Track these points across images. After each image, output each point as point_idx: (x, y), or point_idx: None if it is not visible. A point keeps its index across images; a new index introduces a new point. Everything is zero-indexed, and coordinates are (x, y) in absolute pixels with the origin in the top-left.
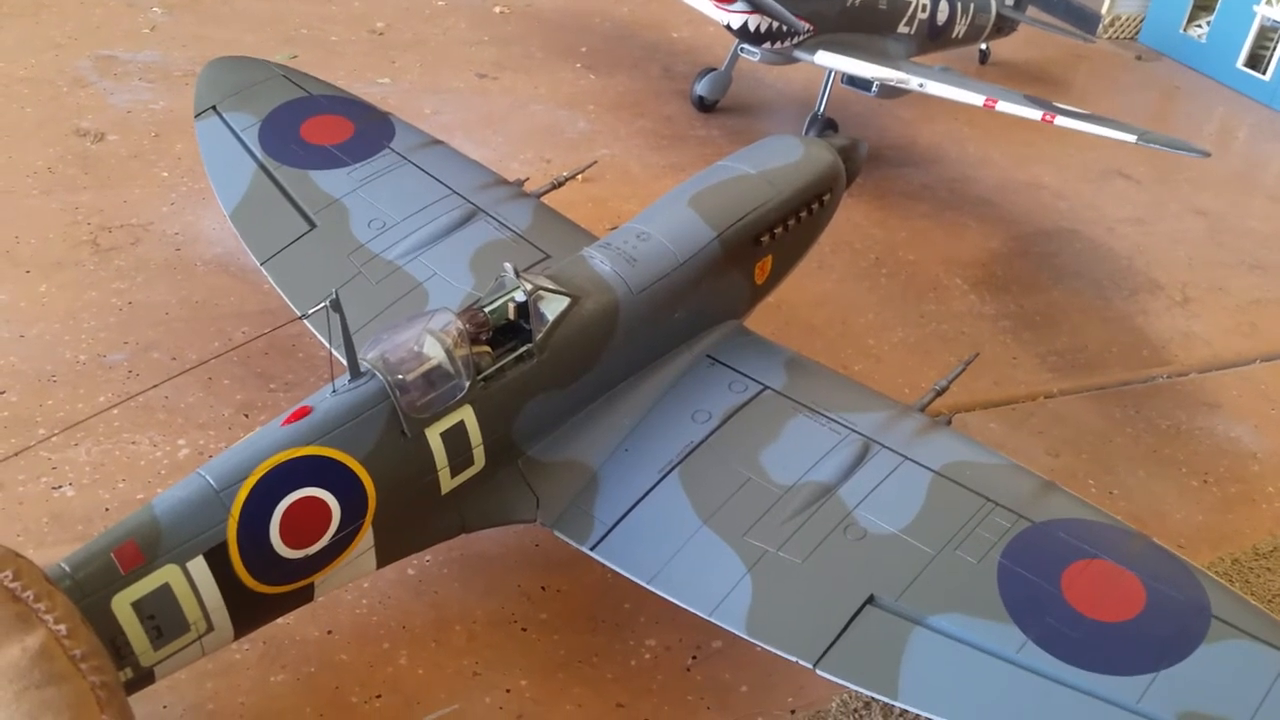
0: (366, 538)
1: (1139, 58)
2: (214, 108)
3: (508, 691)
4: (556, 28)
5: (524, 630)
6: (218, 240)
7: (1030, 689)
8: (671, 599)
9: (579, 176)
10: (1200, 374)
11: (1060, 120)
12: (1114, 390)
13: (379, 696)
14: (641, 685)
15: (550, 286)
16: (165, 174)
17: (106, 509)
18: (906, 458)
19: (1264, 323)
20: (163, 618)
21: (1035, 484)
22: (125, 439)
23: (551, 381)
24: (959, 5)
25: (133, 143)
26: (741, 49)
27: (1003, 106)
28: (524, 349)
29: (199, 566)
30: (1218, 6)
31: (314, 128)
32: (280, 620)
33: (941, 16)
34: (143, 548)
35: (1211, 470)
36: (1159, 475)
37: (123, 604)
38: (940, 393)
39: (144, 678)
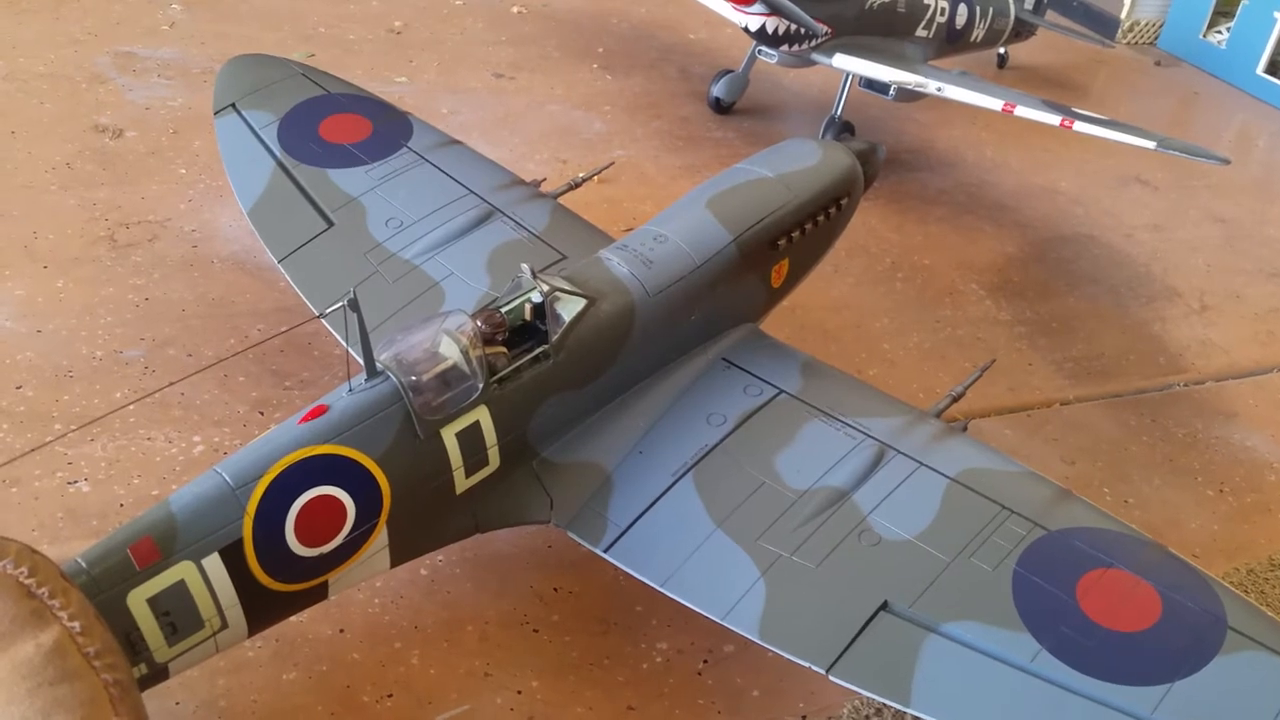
0: (381, 537)
1: (1158, 63)
2: (233, 105)
3: (519, 693)
4: (573, 28)
5: (536, 631)
6: (234, 238)
7: (1044, 698)
8: (684, 602)
9: (595, 178)
10: (1217, 382)
11: (1079, 126)
12: (1130, 398)
13: (390, 696)
14: (653, 688)
15: (567, 288)
16: (183, 171)
17: (121, 505)
18: (922, 464)
19: None
20: (177, 614)
21: (1051, 492)
22: (141, 435)
23: (567, 383)
24: (977, 9)
25: (151, 139)
26: (759, 51)
27: (1021, 111)
28: (540, 350)
29: (214, 563)
30: (1238, 12)
31: (332, 126)
32: (293, 619)
33: (960, 20)
34: (159, 544)
35: (1227, 480)
36: (1174, 484)
37: (138, 600)
38: (956, 399)
39: (158, 674)
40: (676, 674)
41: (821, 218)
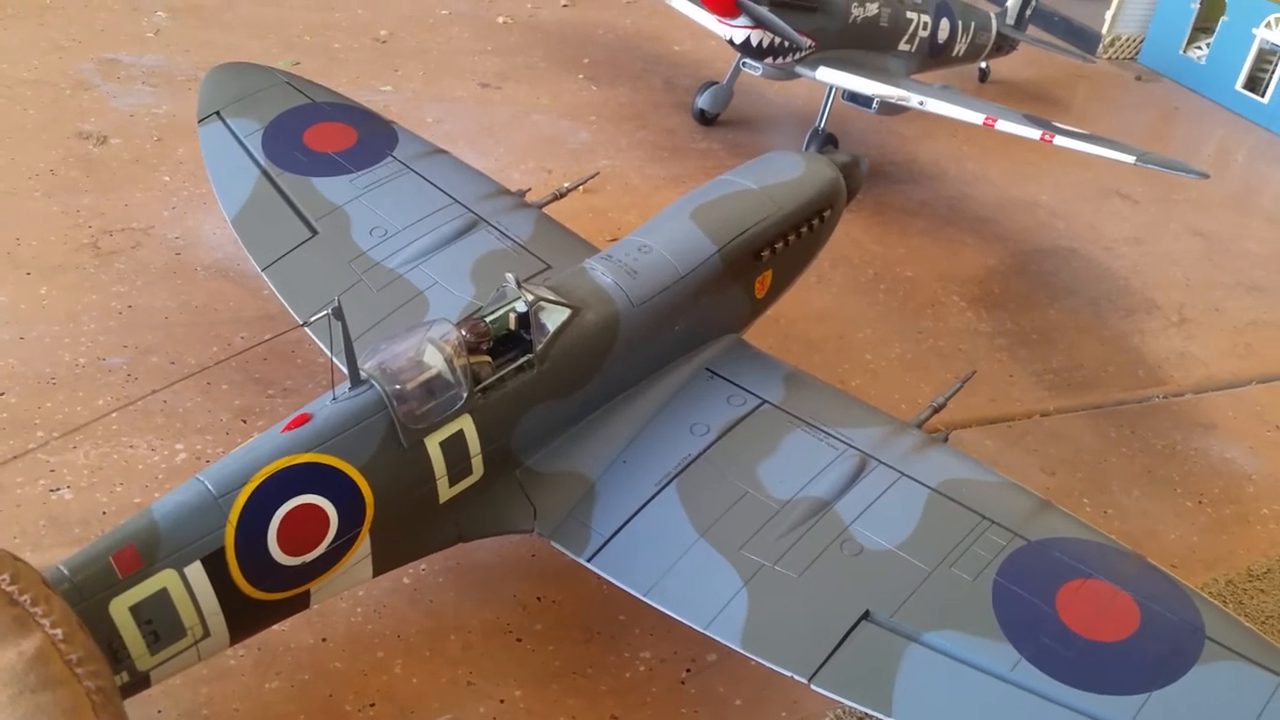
0: (363, 546)
1: (1138, 78)
2: (218, 113)
3: (501, 702)
4: (559, 39)
5: (519, 640)
6: (218, 245)
7: (1023, 707)
8: (667, 611)
9: (580, 188)
10: (1196, 394)
11: (1059, 140)
12: (1110, 409)
13: (373, 705)
14: (636, 698)
15: (551, 297)
16: (167, 178)
17: (104, 512)
18: (903, 474)
19: (1260, 344)
20: (159, 622)
21: (1031, 502)
22: (123, 442)
23: (551, 392)
24: (959, 24)
25: (135, 146)
26: (744, 63)
27: (1002, 125)
28: (524, 359)
29: (196, 572)
30: (1217, 29)
31: (317, 135)
32: (275, 627)
33: (942, 35)
34: (141, 552)
35: (1206, 491)
36: (1154, 495)
37: (120, 608)
38: (937, 409)
39: (140, 682)
40: (659, 683)
41: (805, 229)
